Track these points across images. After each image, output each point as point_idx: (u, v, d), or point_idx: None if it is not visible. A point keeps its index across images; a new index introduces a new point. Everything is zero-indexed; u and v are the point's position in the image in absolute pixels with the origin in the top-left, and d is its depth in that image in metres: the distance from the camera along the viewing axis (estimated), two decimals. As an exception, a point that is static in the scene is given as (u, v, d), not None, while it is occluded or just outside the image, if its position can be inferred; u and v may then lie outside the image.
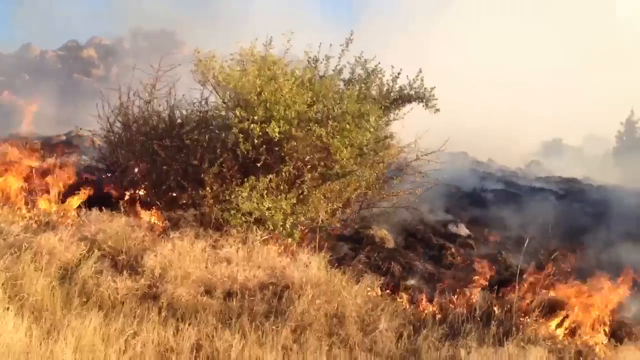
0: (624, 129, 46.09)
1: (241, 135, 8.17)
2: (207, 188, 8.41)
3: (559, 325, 8.07)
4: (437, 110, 10.04)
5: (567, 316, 8.03)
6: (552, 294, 8.42)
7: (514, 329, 7.53)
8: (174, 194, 9.24)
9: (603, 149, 45.57)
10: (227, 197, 8.23)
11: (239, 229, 8.06)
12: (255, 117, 8.14)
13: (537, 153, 41.55)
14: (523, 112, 49.72)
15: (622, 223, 14.80)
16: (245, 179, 8.29)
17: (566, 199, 18.57)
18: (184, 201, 9.00)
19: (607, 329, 8.03)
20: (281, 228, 8.36)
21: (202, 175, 8.50)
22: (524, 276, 8.63)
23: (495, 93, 51.62)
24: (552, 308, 8.21)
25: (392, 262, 8.98)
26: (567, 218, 15.23)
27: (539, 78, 64.00)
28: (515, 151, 37.13)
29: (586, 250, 12.87)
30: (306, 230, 9.02)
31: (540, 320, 8.01)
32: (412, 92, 10.00)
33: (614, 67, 67.29)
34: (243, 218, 8.15)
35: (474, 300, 8.01)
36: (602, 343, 7.80)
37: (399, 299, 7.74)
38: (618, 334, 8.18)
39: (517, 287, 8.17)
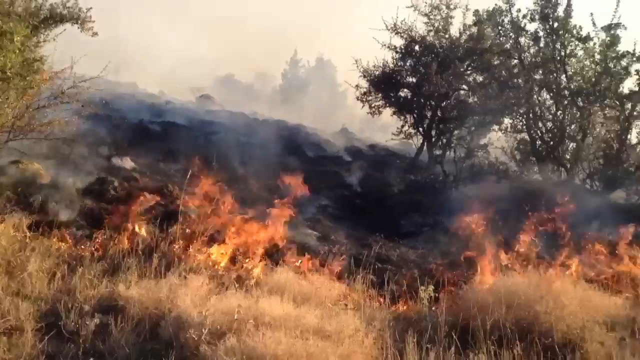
0: (289, 68, 50.83)
1: None
2: None
3: (222, 254, 8.75)
4: (95, 34, 9.73)
5: (227, 244, 8.75)
6: (215, 223, 9.02)
7: (176, 260, 7.91)
8: None
9: (270, 85, 49.66)
10: None
11: None
12: None
13: (209, 88, 42.98)
14: (199, 47, 50.69)
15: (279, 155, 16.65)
16: None
17: (235, 132, 19.77)
18: None
19: (263, 254, 8.99)
20: None
21: None
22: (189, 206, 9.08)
23: (174, 27, 51.30)
24: (214, 238, 8.85)
25: (45, 198, 8.45)
26: (236, 151, 16.35)
27: (213, 19, 65.84)
28: (184, 84, 37.71)
29: (250, 180, 14.13)
30: None
31: (203, 250, 8.58)
32: (65, 12, 9.47)
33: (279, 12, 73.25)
34: None
35: (137, 235, 8.15)
36: (259, 267, 8.72)
37: (53, 238, 7.41)
38: (274, 257, 9.27)
39: (180, 218, 8.54)
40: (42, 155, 10.56)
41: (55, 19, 9.48)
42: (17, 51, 8.14)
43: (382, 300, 7.93)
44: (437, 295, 7.94)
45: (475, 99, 18.57)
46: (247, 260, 8.80)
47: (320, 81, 48.81)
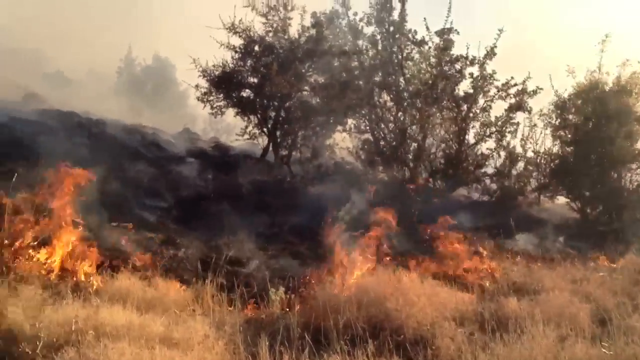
0: (123, 65, 49.07)
1: None
2: None
3: (53, 261, 8.42)
4: None
5: (55, 250, 8.43)
6: (43, 229, 8.65)
7: (4, 269, 7.54)
8: None
9: (104, 83, 47.53)
10: None
11: None
12: None
13: (36, 85, 40.22)
14: (25, 41, 47.21)
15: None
16: None
17: (65, 133, 18.79)
18: None
19: (94, 259, 8.76)
20: None
21: None
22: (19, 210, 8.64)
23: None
24: (43, 244, 8.49)
25: None
26: (65, 152, 15.55)
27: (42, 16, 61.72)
28: (12, 82, 35.07)
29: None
30: None
31: (33, 257, 8.21)
32: None
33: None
34: None
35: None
36: (97, 274, 8.50)
37: None
38: (114, 263, 9.09)
39: (5, 223, 8.12)
40: None
41: None
42: None
43: (232, 304, 8.07)
44: (288, 297, 8.24)
45: (318, 100, 19.22)
46: (82, 267, 8.58)
47: (158, 80, 47.62)
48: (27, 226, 8.56)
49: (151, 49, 51.43)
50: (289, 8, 19.50)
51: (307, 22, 19.58)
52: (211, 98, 20.15)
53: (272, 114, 19.91)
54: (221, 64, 19.75)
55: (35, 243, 8.42)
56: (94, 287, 8.08)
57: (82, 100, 34.07)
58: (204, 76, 19.79)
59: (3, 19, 45.75)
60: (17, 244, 8.23)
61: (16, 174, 9.40)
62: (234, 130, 25.45)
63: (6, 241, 8.12)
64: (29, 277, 7.72)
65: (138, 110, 36.62)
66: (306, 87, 19.63)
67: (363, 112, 18.99)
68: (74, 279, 8.26)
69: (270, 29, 19.55)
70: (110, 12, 65.43)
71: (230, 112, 20.58)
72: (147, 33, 67.01)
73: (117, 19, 63.67)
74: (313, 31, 19.33)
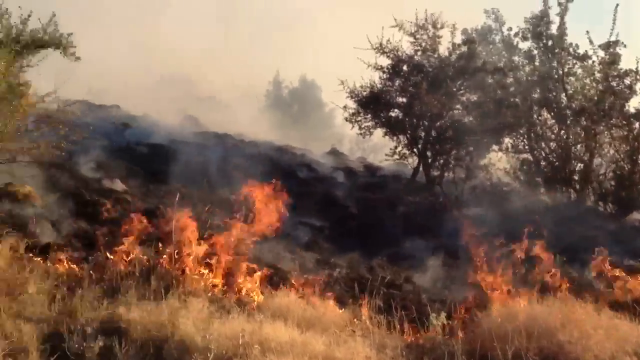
0: (272, 88, 51.27)
1: None
2: None
3: (217, 276, 8.81)
4: (78, 58, 10.14)
5: (221, 266, 8.82)
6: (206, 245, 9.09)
7: (174, 282, 7.98)
8: None
9: (254, 106, 49.92)
10: None
11: None
12: None
13: (191, 109, 43.05)
14: (180, 69, 50.90)
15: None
16: None
17: (221, 154, 19.90)
18: None
19: (259, 277, 9.06)
20: None
21: None
22: (176, 227, 9.15)
23: (152, 49, 51.61)
24: (208, 260, 8.91)
25: (39, 221, 8.57)
26: (224, 172, 16.43)
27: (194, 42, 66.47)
28: (171, 107, 37.89)
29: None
30: None
31: (199, 272, 8.65)
32: (47, 38, 9.86)
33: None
34: None
35: (133, 257, 8.22)
36: (258, 290, 8.80)
37: (49, 260, 7.49)
38: (274, 280, 9.34)
39: (174, 240, 8.62)
40: (32, 178, 10.71)
41: (37, 44, 9.86)
42: (1, 76, 8.39)
43: (390, 326, 7.96)
44: (449, 322, 7.99)
45: (471, 119, 18.84)
46: (245, 283, 8.89)
47: (305, 101, 49.17)
48: (193, 242, 9.03)
49: (298, 71, 53.10)
50: (439, 26, 19.36)
51: (458, 39, 19.40)
52: (359, 118, 20.40)
53: (422, 133, 19.78)
54: (369, 85, 19.95)
55: (201, 258, 8.82)
56: (255, 302, 8.32)
57: (233, 122, 35.98)
58: (352, 97, 20.10)
59: (159, 49, 49.67)
60: (185, 259, 8.70)
61: (179, 194, 9.97)
62: (381, 149, 25.51)
63: (175, 256, 8.60)
64: (196, 290, 8.12)
65: (286, 131, 37.93)
66: (458, 106, 19.34)
67: (521, 130, 18.26)
68: (237, 294, 8.58)
69: (419, 47, 19.50)
70: (258, 37, 68.88)
71: (378, 132, 20.74)
72: (293, 56, 69.53)
73: (264, 44, 66.75)
74: (464, 48, 19.03)
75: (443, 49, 19.44)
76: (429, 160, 19.58)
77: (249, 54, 61.27)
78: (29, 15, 9.68)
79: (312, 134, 40.01)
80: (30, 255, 7.32)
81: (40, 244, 7.89)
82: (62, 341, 5.67)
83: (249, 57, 60.29)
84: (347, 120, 20.70)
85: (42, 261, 7.24)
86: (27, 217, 8.78)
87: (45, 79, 10.48)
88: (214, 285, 8.72)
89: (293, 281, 9.29)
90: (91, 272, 7.40)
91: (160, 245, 8.69)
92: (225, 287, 8.77)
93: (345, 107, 20.36)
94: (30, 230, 8.34)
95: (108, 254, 7.91)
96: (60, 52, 9.98)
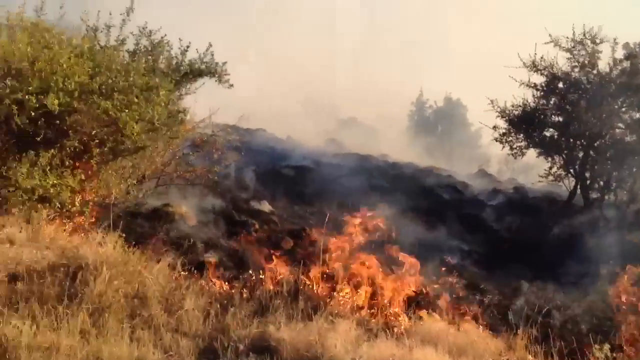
0: (415, 108, 51.15)
1: (15, 107, 7.68)
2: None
3: (366, 298, 8.79)
4: (231, 85, 10.59)
5: (370, 289, 8.79)
6: (355, 267, 9.13)
7: (321, 303, 8.05)
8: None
9: (394, 127, 50.06)
10: (5, 174, 7.68)
11: (21, 207, 7.67)
12: (30, 88, 7.75)
13: (333, 131, 44.11)
14: (321, 91, 52.42)
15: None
16: (24, 154, 7.81)
17: (365, 175, 20.07)
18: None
19: (406, 301, 8.94)
20: (69, 206, 8.01)
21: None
22: (328, 250, 9.25)
23: (293, 73, 53.73)
24: (354, 280, 8.93)
25: (193, 240, 9.06)
26: (369, 194, 16.53)
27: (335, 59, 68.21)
28: (313, 129, 39.06)
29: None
30: (98, 208, 8.78)
31: (346, 294, 8.67)
32: (203, 67, 10.37)
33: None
34: (25, 196, 7.67)
35: (282, 277, 8.41)
36: (405, 314, 8.67)
37: (203, 278, 7.86)
38: (421, 305, 9.17)
39: (322, 261, 8.73)
40: (187, 199, 11.41)
41: (194, 73, 10.45)
42: (163, 104, 8.98)
43: (547, 357, 7.52)
44: (613, 355, 7.40)
45: (635, 138, 17.70)
46: (391, 307, 8.80)
47: (449, 121, 48.55)
48: (340, 264, 9.10)
49: (442, 91, 52.65)
50: (598, 41, 18.34)
51: (619, 54, 18.28)
52: (510, 138, 19.72)
53: (580, 153, 18.75)
54: (521, 104, 19.28)
55: (348, 280, 8.85)
56: (403, 326, 8.18)
57: (374, 144, 36.24)
58: (502, 116, 19.48)
59: (302, 73, 51.51)
60: (331, 281, 8.78)
61: (328, 215, 10.09)
62: (531, 170, 24.46)
63: (323, 277, 8.70)
64: (343, 312, 8.14)
65: (430, 152, 37.59)
66: (620, 124, 18.19)
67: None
68: (385, 317, 8.49)
69: (577, 64, 18.58)
70: (398, 59, 69.26)
71: (529, 153, 19.92)
72: (437, 76, 69.05)
73: (406, 66, 66.97)
74: (627, 63, 17.96)
75: (603, 65, 18.44)
76: (587, 182, 18.50)
77: (390, 75, 61.64)
78: (188, 46, 10.29)
79: (457, 155, 39.35)
80: (186, 273, 7.70)
81: (195, 262, 8.29)
82: (216, 356, 5.88)
83: (391, 77, 60.75)
84: (497, 141, 20.11)
85: (197, 279, 7.60)
86: (183, 236, 9.31)
87: (198, 105, 11.15)
88: (360, 307, 8.71)
89: (442, 306, 9.07)
90: (242, 290, 7.66)
91: (307, 265, 8.85)
92: (372, 309, 8.74)
93: (495, 127, 19.80)
94: (186, 249, 8.80)
95: (258, 273, 8.15)
96: (216, 80, 10.54)
